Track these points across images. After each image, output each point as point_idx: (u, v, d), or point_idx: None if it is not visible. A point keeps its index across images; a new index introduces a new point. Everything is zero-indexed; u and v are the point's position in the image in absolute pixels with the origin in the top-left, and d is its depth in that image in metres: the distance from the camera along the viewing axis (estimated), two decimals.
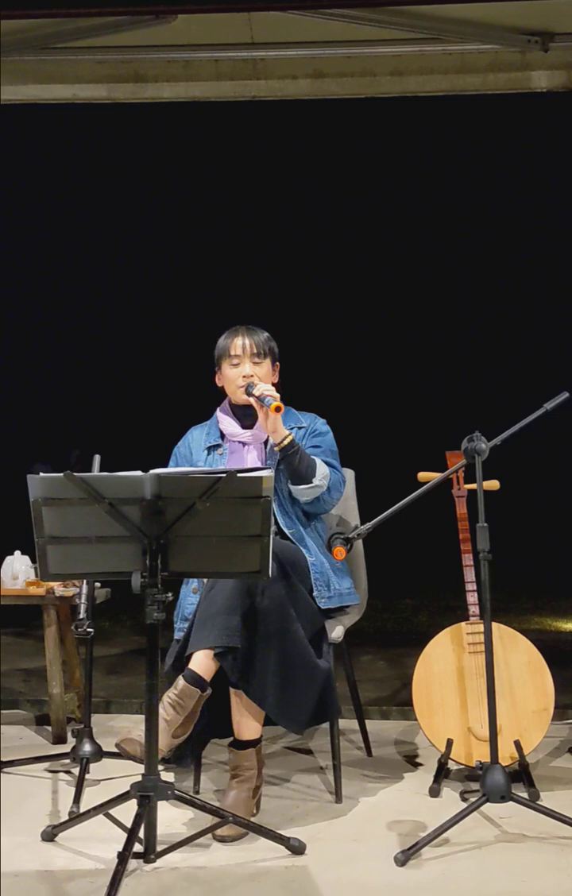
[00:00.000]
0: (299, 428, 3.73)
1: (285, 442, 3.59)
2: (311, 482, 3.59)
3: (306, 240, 6.87)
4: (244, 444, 3.73)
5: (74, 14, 4.50)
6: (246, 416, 3.74)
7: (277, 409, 3.53)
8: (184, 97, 5.02)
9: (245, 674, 3.30)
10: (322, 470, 3.62)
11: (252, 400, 3.63)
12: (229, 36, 4.73)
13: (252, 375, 3.68)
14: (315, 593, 3.55)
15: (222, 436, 3.76)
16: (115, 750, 3.25)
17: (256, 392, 3.60)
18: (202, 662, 3.30)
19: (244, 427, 3.74)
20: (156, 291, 7.01)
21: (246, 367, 3.70)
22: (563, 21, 4.60)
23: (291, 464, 3.59)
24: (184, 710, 3.25)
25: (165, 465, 3.72)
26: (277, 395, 3.57)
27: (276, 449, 3.60)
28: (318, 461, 3.64)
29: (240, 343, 3.72)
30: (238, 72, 4.93)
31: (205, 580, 3.47)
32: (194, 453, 3.77)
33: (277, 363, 3.79)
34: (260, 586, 3.35)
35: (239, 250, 6.91)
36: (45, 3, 4.42)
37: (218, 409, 3.82)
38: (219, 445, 3.75)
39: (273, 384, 3.72)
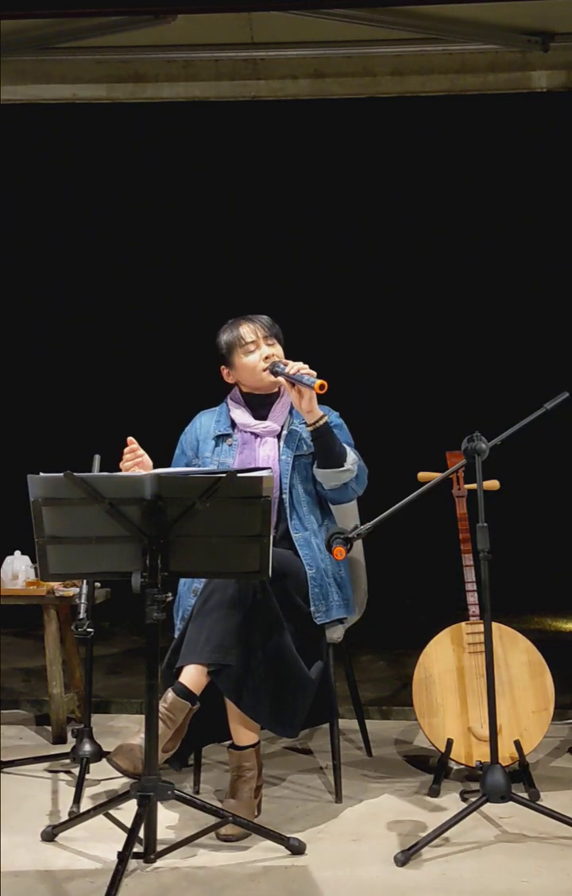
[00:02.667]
0: None
1: (320, 423, 3.50)
2: (343, 465, 3.51)
3: (305, 240, 6.86)
4: (256, 435, 3.63)
5: (74, 14, 4.51)
6: (260, 405, 3.66)
7: (322, 388, 3.42)
8: (184, 97, 5.02)
9: (238, 690, 3.28)
10: (351, 455, 3.55)
11: (281, 380, 3.53)
12: (229, 36, 4.73)
13: (273, 356, 3.60)
14: (312, 608, 3.50)
15: (233, 425, 3.67)
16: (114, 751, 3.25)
17: (290, 370, 3.49)
18: (193, 677, 3.27)
19: (257, 418, 3.65)
20: (156, 290, 7.01)
21: (263, 350, 3.62)
22: (563, 21, 4.60)
23: (324, 445, 3.50)
24: (174, 723, 3.23)
25: (169, 458, 3.69)
26: (314, 372, 3.48)
27: (309, 429, 3.51)
28: (347, 447, 3.56)
29: (248, 328, 3.63)
30: (238, 72, 4.93)
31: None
32: (202, 442, 3.68)
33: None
34: (253, 600, 3.32)
35: (238, 250, 6.90)
36: (45, 3, 4.42)
37: (227, 398, 3.72)
38: (228, 435, 3.65)
39: None
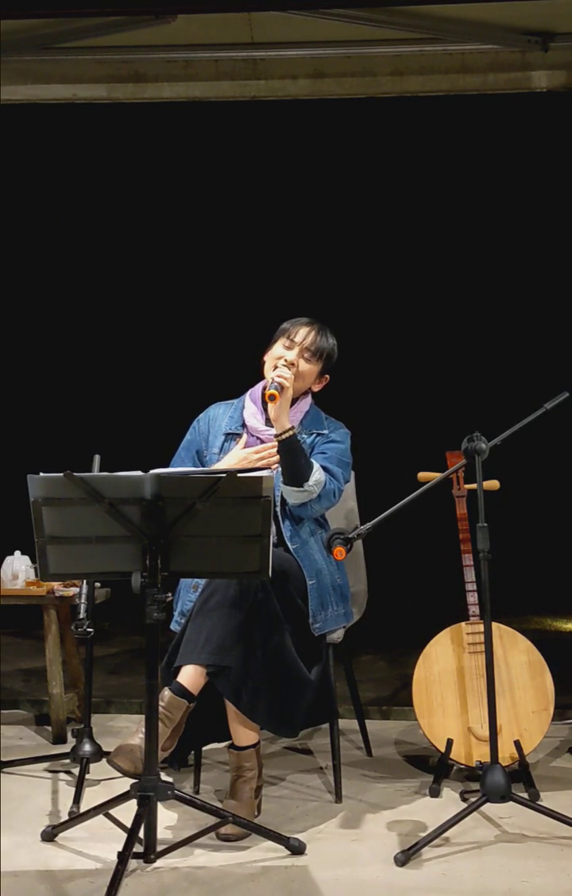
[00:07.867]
0: (318, 434, 3.63)
1: (285, 435, 3.46)
2: (302, 486, 3.46)
3: (305, 240, 6.86)
4: (262, 441, 3.59)
5: (74, 14, 4.51)
6: None
7: (270, 398, 3.42)
8: (184, 97, 5.03)
9: (237, 691, 3.27)
10: (317, 476, 3.48)
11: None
12: (229, 36, 4.73)
13: (292, 364, 3.56)
14: (310, 619, 3.48)
15: (244, 424, 3.64)
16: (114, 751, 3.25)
17: (273, 374, 3.49)
18: (191, 677, 3.27)
19: (269, 423, 3.60)
20: (157, 291, 7.01)
21: (291, 355, 3.58)
22: (563, 21, 4.60)
23: (287, 459, 3.45)
24: (172, 721, 3.23)
25: (166, 463, 3.68)
26: (287, 384, 3.45)
27: (275, 439, 3.49)
28: (318, 468, 3.50)
29: (305, 332, 3.61)
30: (238, 72, 4.93)
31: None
32: (212, 434, 3.66)
33: (327, 376, 3.69)
34: (254, 600, 3.31)
35: (238, 250, 6.90)
36: (45, 3, 4.42)
37: (248, 393, 3.69)
38: (238, 434, 3.63)
39: (312, 391, 3.66)
